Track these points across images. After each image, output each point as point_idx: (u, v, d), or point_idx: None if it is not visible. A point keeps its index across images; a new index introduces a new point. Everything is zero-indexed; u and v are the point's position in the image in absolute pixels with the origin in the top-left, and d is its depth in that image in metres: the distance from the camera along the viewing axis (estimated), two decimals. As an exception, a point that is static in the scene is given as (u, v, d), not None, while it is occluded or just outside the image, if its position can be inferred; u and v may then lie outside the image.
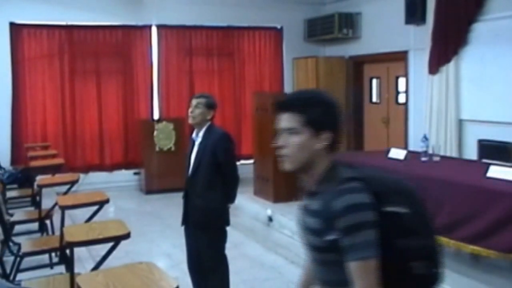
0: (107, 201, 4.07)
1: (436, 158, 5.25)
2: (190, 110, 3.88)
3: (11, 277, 3.96)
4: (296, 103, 1.75)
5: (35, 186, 5.59)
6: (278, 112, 1.78)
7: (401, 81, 8.35)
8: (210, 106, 3.88)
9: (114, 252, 3.24)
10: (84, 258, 4.66)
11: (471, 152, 6.68)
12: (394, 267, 1.66)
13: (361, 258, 1.61)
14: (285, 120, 1.75)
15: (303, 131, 1.72)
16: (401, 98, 8.38)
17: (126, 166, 8.89)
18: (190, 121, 3.91)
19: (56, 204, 4.31)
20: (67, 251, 3.80)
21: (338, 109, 1.77)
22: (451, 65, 6.88)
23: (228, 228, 3.97)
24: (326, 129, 1.72)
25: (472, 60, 6.68)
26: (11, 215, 5.10)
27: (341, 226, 1.63)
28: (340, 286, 1.70)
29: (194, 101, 3.86)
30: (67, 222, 4.23)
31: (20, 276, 4.01)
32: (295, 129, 1.72)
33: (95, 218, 4.08)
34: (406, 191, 1.76)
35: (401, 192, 1.75)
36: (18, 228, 4.94)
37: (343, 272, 1.66)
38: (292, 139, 1.73)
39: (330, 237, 1.66)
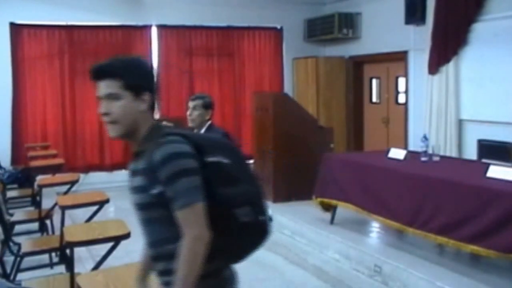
0: (107, 201, 4.08)
1: (436, 158, 5.25)
2: (188, 113, 3.90)
3: (11, 277, 3.95)
4: (113, 68, 1.76)
5: (35, 186, 5.59)
6: (95, 80, 1.79)
7: (401, 81, 8.35)
8: (207, 106, 3.90)
9: (114, 252, 3.24)
10: (84, 258, 4.65)
11: (471, 152, 6.68)
12: (220, 215, 1.68)
13: (187, 204, 1.62)
14: (104, 87, 1.75)
15: (124, 95, 1.73)
16: (401, 98, 8.39)
17: (126, 166, 8.84)
18: (189, 124, 3.92)
19: (56, 204, 4.32)
20: (67, 251, 3.80)
21: (152, 71, 1.84)
22: (451, 65, 6.88)
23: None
24: (145, 90, 1.75)
25: (471, 60, 6.68)
26: (11, 215, 5.10)
27: (163, 176, 1.65)
28: (168, 243, 1.71)
29: (191, 104, 3.87)
30: (67, 222, 4.24)
31: (20, 276, 4.01)
32: (116, 94, 1.73)
33: (95, 218, 4.09)
34: (226, 145, 1.84)
35: (221, 145, 1.82)
36: (18, 228, 4.93)
37: (172, 228, 1.67)
38: (115, 104, 1.73)
39: (155, 190, 1.68)
